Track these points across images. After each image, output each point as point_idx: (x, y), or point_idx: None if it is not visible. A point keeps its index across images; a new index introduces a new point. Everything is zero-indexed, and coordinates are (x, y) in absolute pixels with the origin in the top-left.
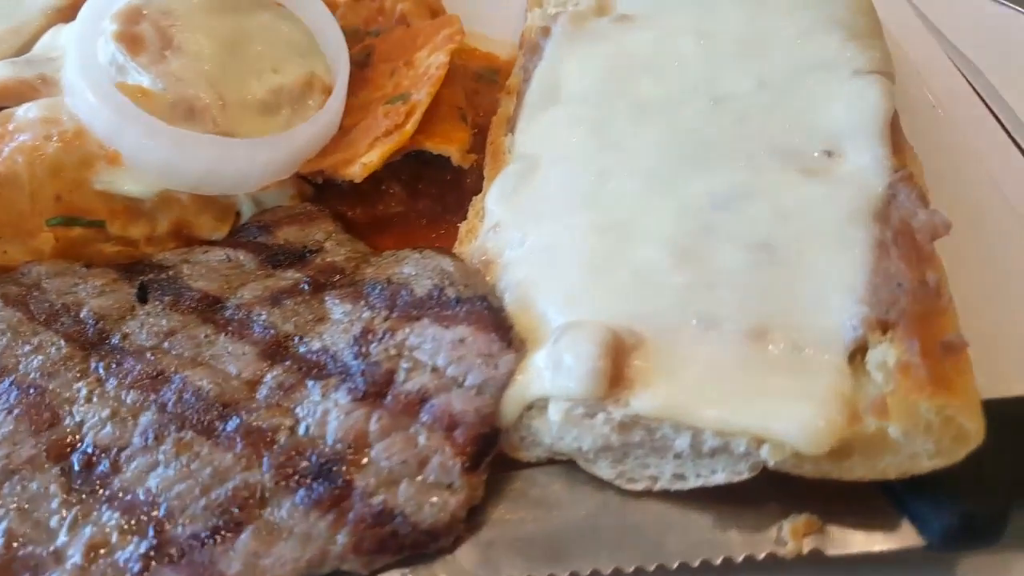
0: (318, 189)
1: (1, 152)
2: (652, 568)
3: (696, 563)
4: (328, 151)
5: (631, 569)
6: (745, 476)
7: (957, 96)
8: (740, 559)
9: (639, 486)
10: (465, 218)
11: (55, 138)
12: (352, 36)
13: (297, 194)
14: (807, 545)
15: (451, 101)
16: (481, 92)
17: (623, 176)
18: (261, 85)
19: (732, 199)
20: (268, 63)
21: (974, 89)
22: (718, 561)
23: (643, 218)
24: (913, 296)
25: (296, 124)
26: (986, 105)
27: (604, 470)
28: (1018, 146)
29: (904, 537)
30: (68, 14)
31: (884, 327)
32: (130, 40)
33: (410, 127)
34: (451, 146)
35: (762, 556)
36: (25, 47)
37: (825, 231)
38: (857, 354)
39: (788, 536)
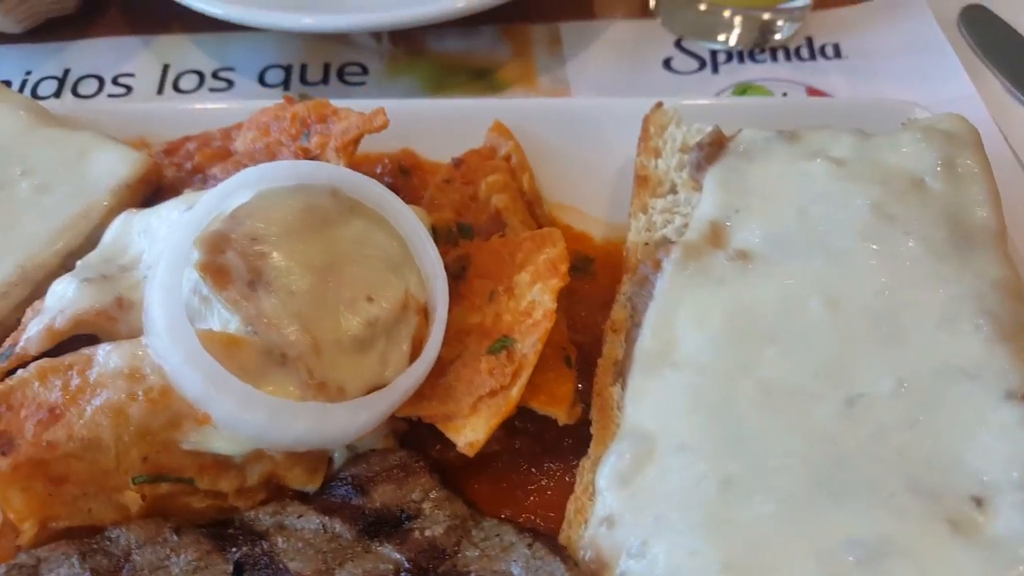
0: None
1: (84, 412)
2: None
3: None
4: (425, 393)
5: None
6: None
7: None
8: None
9: None
10: (560, 458)
11: (140, 397)
12: (446, 237)
13: (391, 433)
14: None
15: (554, 340)
16: (576, 291)
17: (752, 494)
18: (356, 319)
19: (875, 554)
20: (363, 289)
21: None
22: None
23: (779, 562)
24: None
25: (391, 355)
26: None
27: None
28: None
29: None
30: (137, 190)
31: None
32: (216, 272)
33: (516, 393)
34: (558, 407)
35: None
36: (94, 232)
37: None
38: None
39: None
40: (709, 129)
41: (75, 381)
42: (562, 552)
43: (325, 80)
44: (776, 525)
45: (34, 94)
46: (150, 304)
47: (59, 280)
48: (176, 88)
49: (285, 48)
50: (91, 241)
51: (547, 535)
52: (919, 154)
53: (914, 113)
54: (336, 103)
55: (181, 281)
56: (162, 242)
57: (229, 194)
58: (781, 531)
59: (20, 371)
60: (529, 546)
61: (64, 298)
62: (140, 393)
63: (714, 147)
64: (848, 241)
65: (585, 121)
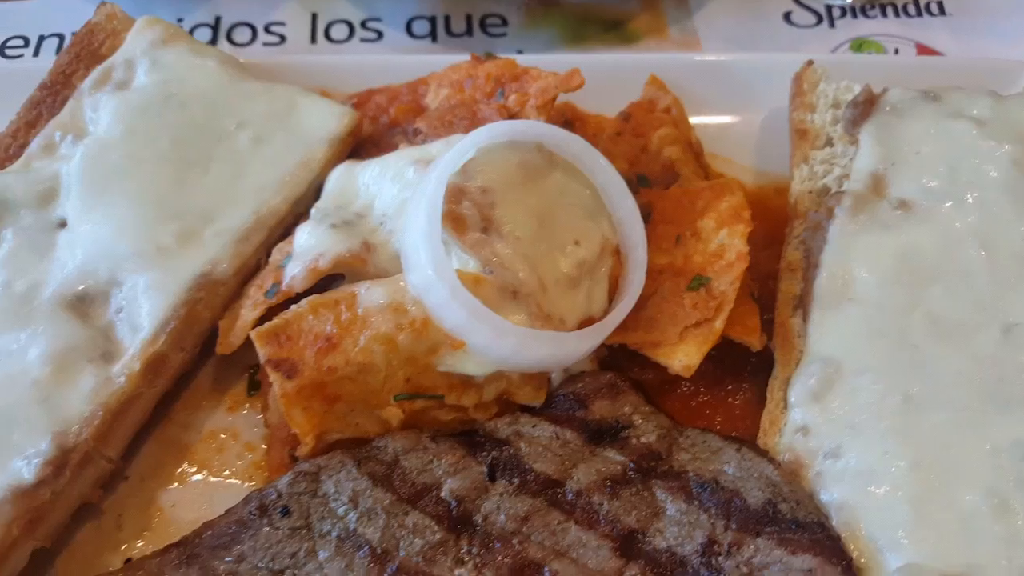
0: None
1: (358, 340)
2: None
3: None
4: (628, 324)
5: None
6: None
7: None
8: None
9: None
10: (743, 381)
11: (406, 329)
12: None
13: (595, 358)
14: None
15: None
16: None
17: (931, 406)
18: (567, 261)
19: None
20: (570, 234)
21: None
22: None
23: (958, 458)
24: None
25: (596, 295)
26: None
27: None
28: None
29: None
30: (347, 142)
31: None
32: (455, 220)
33: (720, 324)
34: (751, 336)
35: None
36: (314, 181)
37: None
38: None
39: None
40: (856, 86)
41: (345, 314)
42: (767, 454)
43: (468, 31)
44: (953, 430)
45: None
46: (412, 247)
47: (303, 226)
48: (328, 38)
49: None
50: (312, 189)
51: (749, 440)
52: None
53: None
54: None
55: (439, 228)
56: (397, 195)
57: (463, 152)
58: (958, 435)
59: (293, 306)
60: (738, 450)
61: (318, 242)
62: (405, 324)
63: (867, 105)
64: (994, 192)
65: (731, 75)
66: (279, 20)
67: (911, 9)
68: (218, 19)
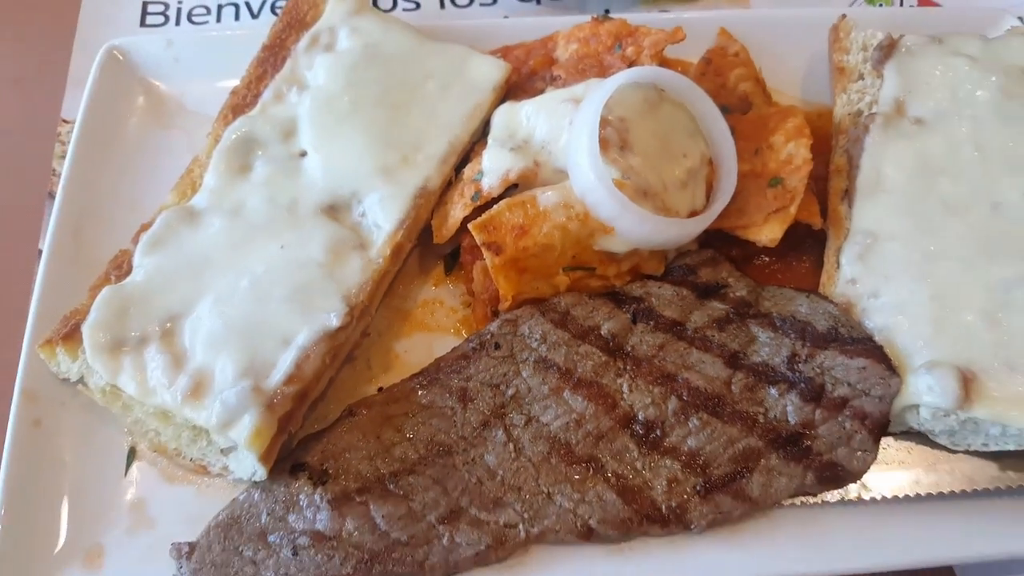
0: (707, 235)
1: (542, 228)
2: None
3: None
4: (724, 214)
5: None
6: None
7: None
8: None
9: (960, 449)
10: (803, 253)
11: (573, 219)
12: None
13: (696, 240)
14: None
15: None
16: None
17: (942, 259)
18: (678, 169)
19: (1015, 284)
20: (680, 149)
21: None
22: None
23: (961, 291)
24: None
25: (698, 194)
26: None
27: (943, 440)
28: None
29: None
30: (503, 88)
31: None
32: (602, 142)
33: (794, 209)
34: (814, 217)
35: None
36: (485, 117)
37: None
38: None
39: None
40: (879, 34)
41: (531, 210)
42: (827, 298)
43: None
44: (959, 274)
45: None
46: (577, 160)
47: (488, 151)
48: (454, 4)
49: None
50: (483, 124)
51: (814, 291)
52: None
53: (1004, 19)
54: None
55: (597, 146)
56: (552, 126)
57: (607, 91)
58: (960, 276)
59: (494, 206)
60: (807, 296)
61: (504, 161)
62: (573, 216)
63: (889, 48)
64: (984, 110)
65: (780, 27)
66: None
67: None
68: None
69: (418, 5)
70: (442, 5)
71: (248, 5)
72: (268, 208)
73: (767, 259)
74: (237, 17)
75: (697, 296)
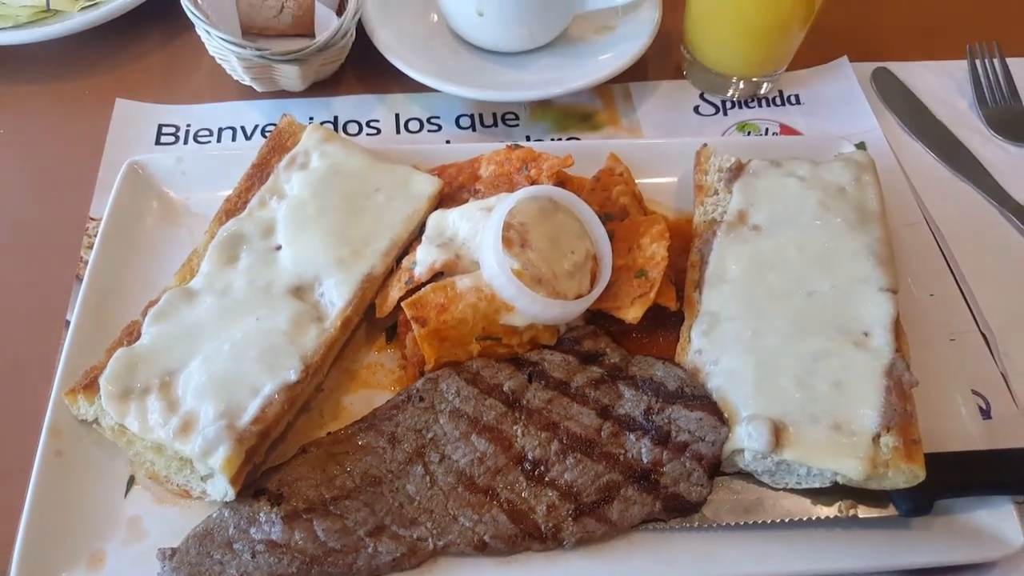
0: (591, 315)
1: (458, 306)
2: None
3: (792, 520)
4: (602, 298)
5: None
6: (827, 484)
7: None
8: (820, 518)
9: (779, 486)
10: (666, 329)
11: (483, 300)
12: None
13: (583, 317)
14: (850, 512)
15: (665, 271)
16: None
17: (766, 335)
18: (568, 262)
19: (821, 355)
20: (569, 247)
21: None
22: (809, 518)
23: (779, 360)
24: (901, 416)
25: (583, 282)
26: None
27: (765, 478)
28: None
29: (889, 510)
30: (437, 198)
31: (888, 428)
32: (506, 241)
33: (652, 295)
34: (670, 302)
35: (832, 516)
36: (421, 221)
37: (865, 378)
38: (876, 438)
39: (843, 508)
40: (732, 158)
41: (450, 292)
42: (679, 365)
43: (495, 123)
44: (778, 347)
45: None
46: (486, 256)
47: (421, 246)
48: (407, 130)
49: (469, 104)
50: (419, 226)
51: (669, 359)
52: (843, 174)
53: (842, 145)
54: (535, 147)
55: (500, 245)
56: (471, 228)
57: (510, 204)
58: (780, 350)
59: (422, 289)
60: (664, 363)
61: (431, 254)
62: (483, 297)
63: (737, 170)
64: (807, 218)
65: (660, 152)
66: (375, 118)
67: (778, 100)
68: (336, 117)
69: (379, 131)
70: (398, 131)
71: (243, 128)
72: (248, 290)
73: (638, 334)
74: (234, 138)
75: (580, 361)
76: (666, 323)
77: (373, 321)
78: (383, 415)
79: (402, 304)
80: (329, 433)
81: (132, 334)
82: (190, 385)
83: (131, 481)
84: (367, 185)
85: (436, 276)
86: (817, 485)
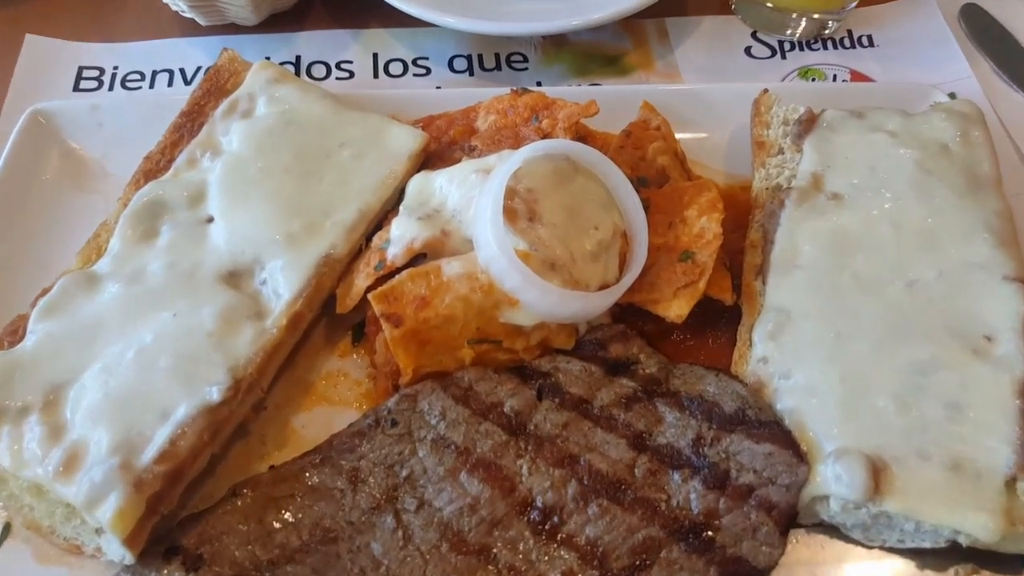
0: (621, 309)
1: (444, 299)
2: None
3: None
4: (634, 288)
5: None
6: (942, 545)
7: None
8: None
9: (875, 544)
10: (719, 329)
11: (477, 291)
12: None
13: (609, 314)
14: None
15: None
16: None
17: (854, 339)
18: (590, 241)
19: (929, 367)
20: (591, 222)
21: None
22: None
23: (873, 374)
24: None
25: (610, 266)
26: None
27: (856, 534)
28: None
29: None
30: (420, 156)
31: None
32: (509, 212)
33: (702, 285)
34: (724, 294)
35: None
36: (399, 186)
37: (991, 399)
38: (1011, 482)
39: (961, 573)
40: (800, 108)
41: (434, 281)
42: (737, 377)
43: (497, 67)
44: (869, 355)
45: None
46: (482, 231)
47: (397, 219)
48: (387, 73)
49: (465, 41)
50: (396, 192)
51: (724, 369)
52: (944, 128)
53: (933, 95)
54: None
55: (501, 217)
56: (463, 195)
57: (515, 163)
58: (872, 358)
59: (396, 276)
60: (717, 375)
61: (410, 230)
62: (477, 287)
63: (808, 123)
64: (902, 185)
65: (706, 100)
66: (348, 59)
67: (846, 42)
68: (298, 58)
69: (351, 74)
70: (375, 74)
71: (182, 72)
72: (167, 275)
73: (681, 335)
74: (170, 83)
75: (606, 372)
76: (719, 321)
77: (335, 317)
78: (342, 444)
79: (368, 296)
80: (272, 467)
81: (15, 333)
82: (81, 404)
83: (5, 531)
84: (329, 139)
85: (416, 259)
86: (928, 545)
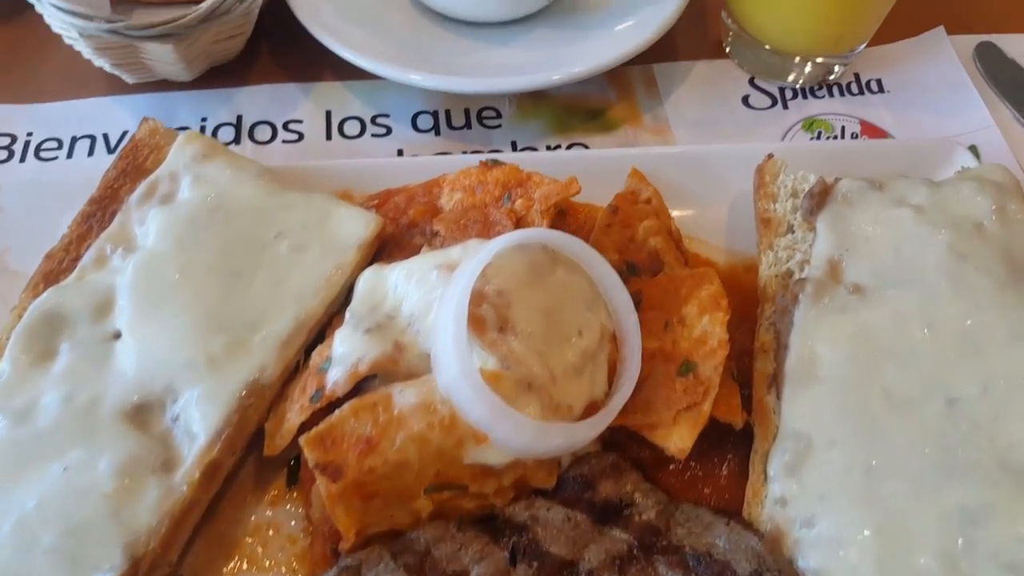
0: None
1: (394, 441)
2: None
3: None
4: (627, 407)
5: None
6: None
7: None
8: None
9: None
10: (725, 450)
11: (436, 427)
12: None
13: (599, 439)
14: None
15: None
16: None
17: (888, 476)
18: (572, 351)
19: (980, 515)
20: (574, 325)
21: None
22: None
23: (913, 523)
24: None
25: (597, 379)
26: None
27: None
28: None
29: None
30: (373, 245)
31: None
32: (476, 322)
33: (707, 407)
34: (734, 415)
35: None
36: (346, 284)
37: None
38: None
39: None
40: (812, 176)
41: (382, 416)
42: (752, 526)
43: (467, 125)
44: (908, 498)
45: None
46: (442, 350)
47: (340, 332)
48: (342, 133)
49: (431, 96)
50: (343, 291)
51: (735, 513)
52: (978, 203)
53: (957, 152)
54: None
55: (466, 331)
56: (422, 298)
57: (482, 261)
58: (912, 502)
59: (336, 411)
60: (727, 524)
61: (356, 348)
62: (436, 423)
63: (821, 195)
64: (934, 275)
65: (701, 165)
66: (297, 118)
67: (854, 88)
68: (239, 118)
69: (301, 136)
70: (328, 135)
71: (105, 137)
72: (61, 412)
73: (685, 462)
74: (91, 152)
75: (595, 521)
76: (726, 442)
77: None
78: None
79: (300, 440)
80: None
81: None
82: None
83: None
84: (263, 228)
85: (368, 381)
86: None
